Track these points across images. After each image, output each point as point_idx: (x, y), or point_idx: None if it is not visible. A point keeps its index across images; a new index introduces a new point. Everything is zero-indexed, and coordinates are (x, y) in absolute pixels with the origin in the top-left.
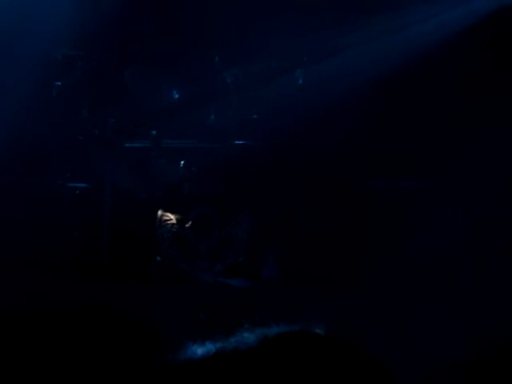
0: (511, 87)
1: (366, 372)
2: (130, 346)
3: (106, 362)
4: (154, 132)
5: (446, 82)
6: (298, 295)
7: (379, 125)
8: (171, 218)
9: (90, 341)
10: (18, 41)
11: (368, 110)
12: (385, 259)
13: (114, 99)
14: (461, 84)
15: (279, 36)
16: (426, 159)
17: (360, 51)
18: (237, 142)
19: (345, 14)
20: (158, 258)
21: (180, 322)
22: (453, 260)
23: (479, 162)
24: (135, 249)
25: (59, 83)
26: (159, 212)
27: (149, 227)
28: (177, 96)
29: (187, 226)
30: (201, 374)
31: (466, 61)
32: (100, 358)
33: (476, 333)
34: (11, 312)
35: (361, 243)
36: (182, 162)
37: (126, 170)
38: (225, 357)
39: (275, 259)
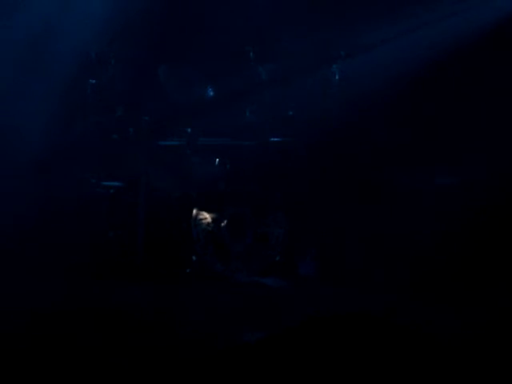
0: None
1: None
2: (165, 344)
3: (141, 360)
4: (189, 130)
5: (480, 77)
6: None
7: (415, 121)
8: (206, 216)
9: (125, 340)
10: (52, 39)
11: (404, 106)
12: (418, 255)
13: (149, 97)
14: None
15: (315, 31)
16: (460, 154)
17: (396, 45)
18: (272, 139)
19: (379, 9)
20: (194, 258)
21: (214, 320)
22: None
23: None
24: (170, 248)
25: (94, 81)
26: (194, 211)
27: (184, 226)
28: (211, 93)
29: (222, 224)
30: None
31: (496, 56)
32: (136, 357)
33: None
34: (45, 313)
35: (394, 240)
36: (217, 160)
37: (161, 169)
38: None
39: (312, 257)
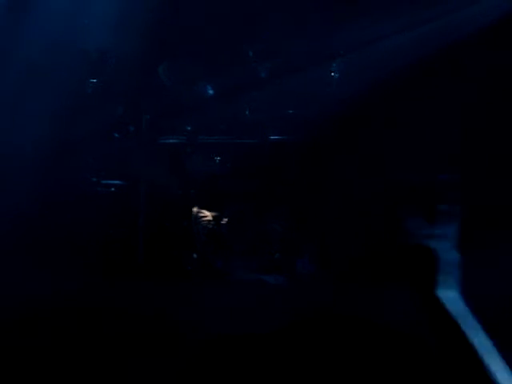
0: None
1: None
2: (165, 343)
3: (140, 359)
4: (189, 128)
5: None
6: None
7: (415, 118)
8: (207, 214)
9: (124, 338)
10: (53, 38)
11: (404, 103)
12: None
13: (149, 95)
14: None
15: (313, 29)
16: (460, 152)
17: (395, 42)
18: (272, 137)
19: (377, 6)
20: (195, 255)
21: (214, 318)
22: None
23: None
24: (171, 246)
25: (94, 80)
26: (195, 209)
27: (185, 224)
28: (211, 91)
29: (223, 222)
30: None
31: (497, 55)
32: (134, 356)
33: None
34: (45, 311)
35: (396, 237)
36: (218, 158)
37: (162, 167)
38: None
39: (310, 254)
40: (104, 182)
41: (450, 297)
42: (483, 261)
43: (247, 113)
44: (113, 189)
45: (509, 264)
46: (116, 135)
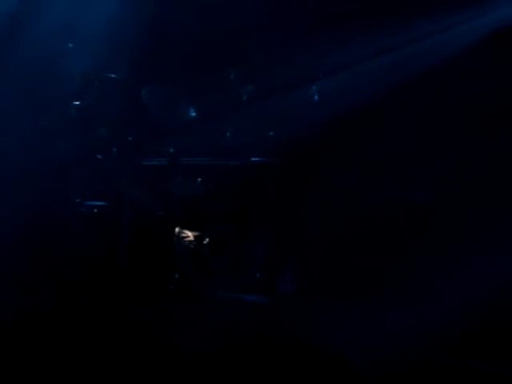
0: None
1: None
2: (148, 362)
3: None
4: (172, 150)
5: (470, 92)
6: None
7: (397, 137)
8: (189, 234)
9: (106, 357)
10: (37, 60)
11: (384, 123)
12: (402, 270)
13: (132, 118)
14: (489, 91)
15: (294, 51)
16: (442, 171)
17: (374, 64)
18: (253, 159)
19: (358, 27)
20: (176, 275)
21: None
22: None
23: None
24: (153, 266)
25: (78, 102)
26: (177, 229)
27: (167, 244)
28: (193, 114)
29: (204, 242)
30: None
31: (492, 70)
32: (116, 374)
33: None
34: (28, 330)
35: (377, 255)
36: (199, 179)
37: (144, 188)
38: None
39: (291, 274)
40: (87, 202)
41: None
42: None
43: (228, 135)
44: (96, 210)
45: None
46: (99, 157)
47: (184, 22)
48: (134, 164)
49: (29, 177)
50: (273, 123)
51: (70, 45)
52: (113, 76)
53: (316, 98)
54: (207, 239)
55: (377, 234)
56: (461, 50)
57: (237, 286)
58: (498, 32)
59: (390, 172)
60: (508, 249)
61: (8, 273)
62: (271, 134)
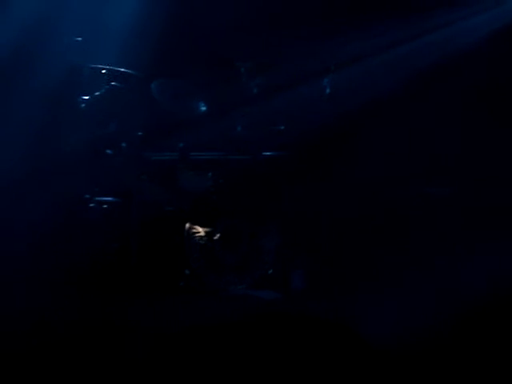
0: None
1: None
2: (158, 359)
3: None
4: (182, 144)
5: (475, 87)
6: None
7: (409, 130)
8: (199, 230)
9: (116, 354)
10: (46, 54)
11: (396, 117)
12: (413, 266)
13: (141, 112)
14: (490, 88)
15: (305, 45)
16: (455, 165)
17: (386, 56)
18: (264, 153)
19: (369, 20)
20: (187, 271)
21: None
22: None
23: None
24: (164, 262)
25: (87, 97)
26: (187, 225)
27: (177, 240)
28: (204, 108)
29: (215, 238)
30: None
31: (496, 65)
32: (123, 371)
33: None
34: (39, 326)
35: (389, 251)
36: (210, 174)
37: (154, 183)
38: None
39: (303, 270)
40: (97, 198)
41: None
42: None
43: (239, 129)
44: (105, 205)
45: None
46: (109, 152)
47: (194, 15)
48: (143, 159)
49: (38, 172)
50: (284, 117)
51: (79, 39)
52: (122, 70)
53: (328, 91)
54: (218, 235)
55: (389, 229)
56: (475, 42)
57: (248, 282)
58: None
59: (402, 166)
60: None
61: (17, 268)
62: (282, 128)
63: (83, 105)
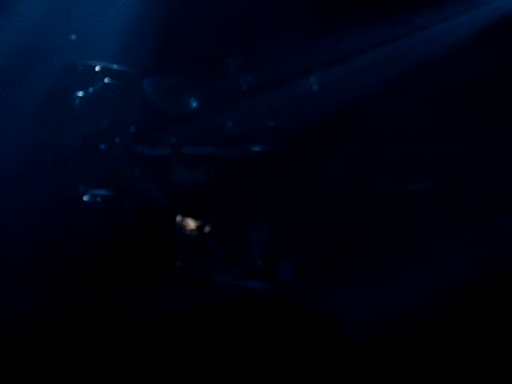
0: None
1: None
2: (148, 349)
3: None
4: (173, 139)
5: (463, 85)
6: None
7: (396, 127)
8: (190, 223)
9: (107, 344)
10: (40, 51)
11: (381, 114)
12: (393, 257)
13: (134, 108)
14: (478, 85)
15: (293, 42)
16: (436, 161)
17: (373, 54)
18: (254, 149)
19: (357, 18)
20: (178, 263)
21: None
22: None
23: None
24: (155, 254)
25: (80, 92)
26: (178, 218)
27: (169, 233)
28: (195, 104)
29: (206, 231)
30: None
31: (483, 62)
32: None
33: None
34: (33, 318)
35: (376, 243)
36: (201, 169)
37: (146, 177)
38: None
39: (291, 261)
40: (90, 192)
41: None
42: None
43: (230, 124)
44: (98, 199)
45: None
46: (102, 146)
47: (185, 12)
48: (136, 153)
49: (32, 167)
50: (273, 113)
51: (73, 36)
52: (115, 66)
53: (315, 88)
54: (209, 228)
55: (375, 223)
56: (462, 41)
57: (238, 273)
58: (498, 23)
59: (388, 162)
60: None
61: (12, 263)
62: (271, 123)
63: (77, 101)
